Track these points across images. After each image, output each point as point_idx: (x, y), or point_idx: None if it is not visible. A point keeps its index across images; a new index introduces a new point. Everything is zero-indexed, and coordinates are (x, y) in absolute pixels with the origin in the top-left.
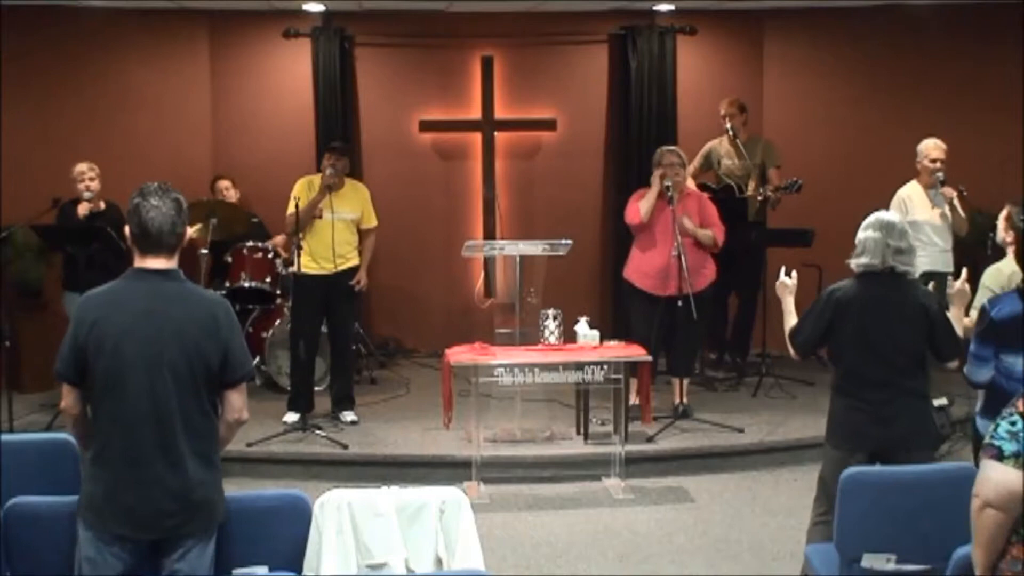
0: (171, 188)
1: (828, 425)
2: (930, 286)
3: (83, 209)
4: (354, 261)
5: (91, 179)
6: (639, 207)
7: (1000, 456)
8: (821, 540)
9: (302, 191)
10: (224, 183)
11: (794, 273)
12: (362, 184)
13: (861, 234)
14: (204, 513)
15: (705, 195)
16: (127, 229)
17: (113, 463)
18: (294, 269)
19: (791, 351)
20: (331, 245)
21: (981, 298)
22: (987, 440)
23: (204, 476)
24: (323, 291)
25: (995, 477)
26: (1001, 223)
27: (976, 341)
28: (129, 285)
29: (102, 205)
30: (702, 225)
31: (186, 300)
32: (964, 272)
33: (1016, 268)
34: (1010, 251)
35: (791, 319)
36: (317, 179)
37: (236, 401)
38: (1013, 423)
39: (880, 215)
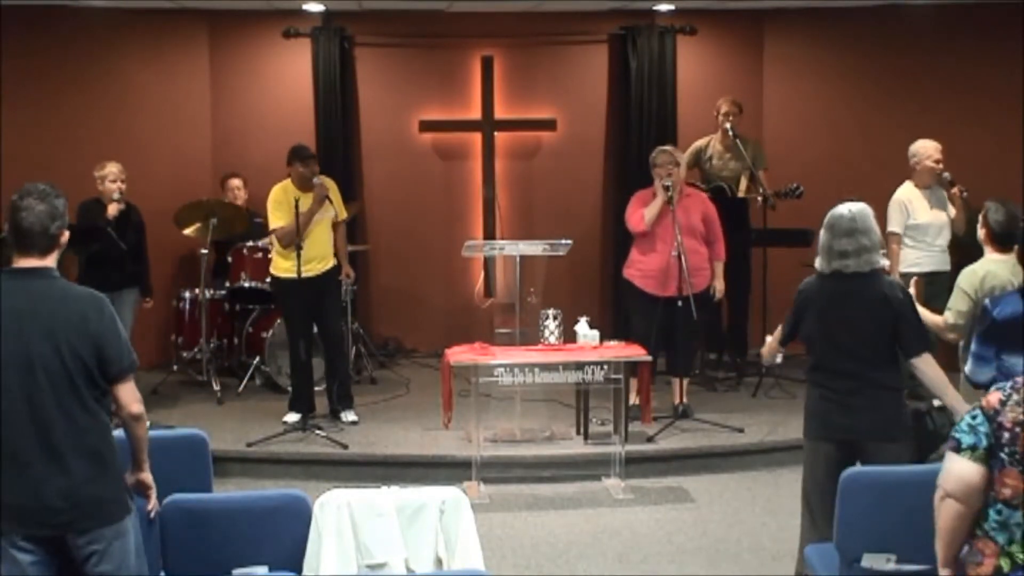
0: (54, 192)
1: (804, 417)
2: (911, 282)
3: (114, 210)
4: (333, 260)
5: (122, 180)
6: (643, 215)
7: (958, 448)
8: (810, 539)
9: (283, 201)
10: (236, 181)
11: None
12: (328, 178)
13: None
14: (96, 510)
15: (709, 200)
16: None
17: (1, 464)
18: (281, 274)
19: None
20: (325, 247)
21: (956, 300)
22: (952, 433)
23: (93, 474)
24: (310, 294)
25: (954, 469)
26: (980, 220)
27: (977, 341)
28: (2, 285)
29: (123, 205)
30: (705, 229)
31: (55, 298)
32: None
33: (990, 269)
34: (987, 248)
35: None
36: (290, 185)
37: (124, 396)
38: (974, 416)
39: (833, 211)
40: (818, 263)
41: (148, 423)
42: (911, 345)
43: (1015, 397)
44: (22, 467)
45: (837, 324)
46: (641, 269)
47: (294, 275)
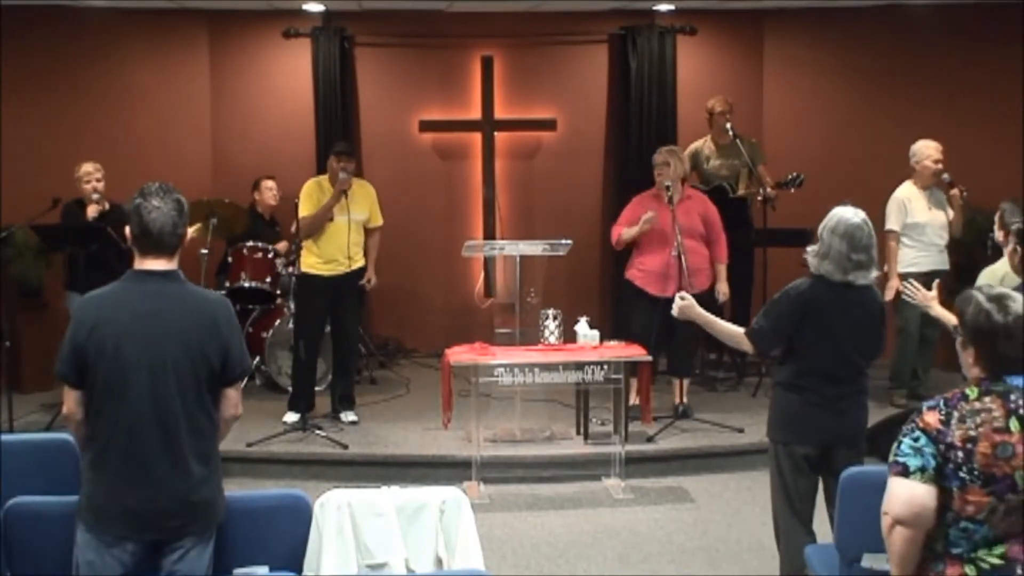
0: (173, 189)
1: (776, 422)
2: (934, 285)
3: (92, 211)
4: (361, 262)
5: (97, 180)
6: (621, 233)
7: (906, 472)
8: (803, 541)
9: (313, 193)
10: (269, 183)
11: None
12: (368, 183)
13: (826, 236)
14: (206, 513)
15: (709, 201)
16: (127, 229)
17: (115, 465)
18: (297, 270)
19: (748, 347)
20: (345, 247)
21: None
22: (891, 458)
23: (205, 475)
24: (332, 292)
25: (904, 494)
26: (996, 221)
27: None
28: (129, 287)
29: (106, 205)
30: (706, 231)
31: (186, 301)
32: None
33: (1008, 269)
34: (1006, 249)
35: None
36: (326, 180)
37: (234, 397)
38: (916, 439)
39: (848, 219)
40: (824, 268)
41: None
42: (877, 351)
43: (956, 414)
44: (146, 469)
45: (845, 332)
46: (642, 270)
47: (317, 272)
